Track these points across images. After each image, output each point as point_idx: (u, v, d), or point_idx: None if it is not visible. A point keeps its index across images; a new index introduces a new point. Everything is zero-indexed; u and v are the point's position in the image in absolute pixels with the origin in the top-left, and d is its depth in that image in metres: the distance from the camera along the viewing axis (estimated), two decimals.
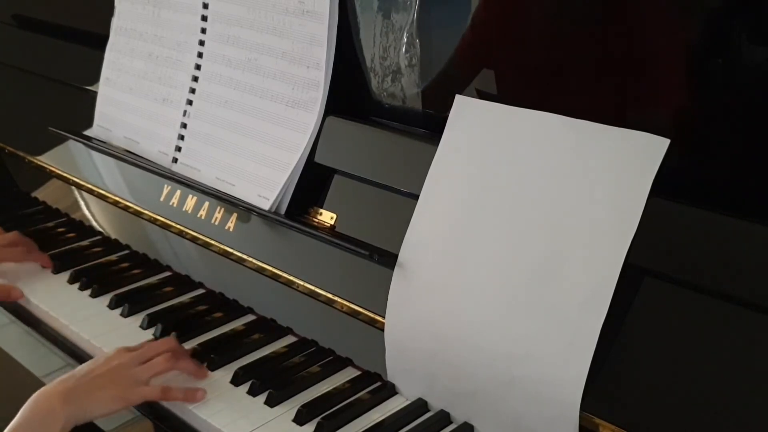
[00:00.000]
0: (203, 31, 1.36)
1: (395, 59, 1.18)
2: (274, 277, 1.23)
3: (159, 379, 1.08)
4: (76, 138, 1.54)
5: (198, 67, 1.37)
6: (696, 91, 0.95)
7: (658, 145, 0.86)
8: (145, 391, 1.06)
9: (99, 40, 1.55)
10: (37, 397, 1.01)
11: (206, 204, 1.34)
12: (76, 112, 1.60)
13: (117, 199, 1.50)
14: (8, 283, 1.35)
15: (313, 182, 1.22)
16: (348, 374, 1.13)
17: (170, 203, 1.39)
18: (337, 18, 1.18)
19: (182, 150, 1.38)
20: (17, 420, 0.98)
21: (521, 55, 1.08)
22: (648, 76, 0.96)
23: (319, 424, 1.02)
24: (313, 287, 1.17)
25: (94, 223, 1.57)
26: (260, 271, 1.25)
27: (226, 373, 1.13)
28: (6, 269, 1.38)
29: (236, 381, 1.11)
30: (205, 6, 1.35)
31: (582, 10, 1.00)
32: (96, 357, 1.09)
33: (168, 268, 1.41)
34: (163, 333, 1.22)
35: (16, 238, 1.41)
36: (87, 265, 1.42)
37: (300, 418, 1.03)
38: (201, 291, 1.35)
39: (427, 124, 1.16)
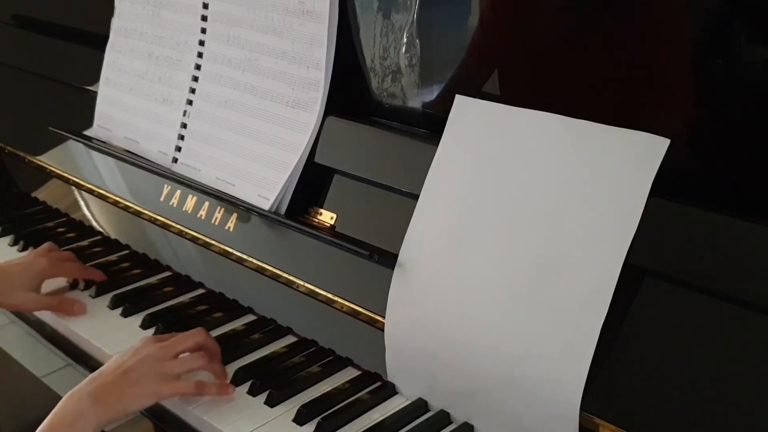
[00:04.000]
0: (203, 31, 1.36)
1: (395, 59, 1.18)
2: (274, 277, 1.23)
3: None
4: (76, 138, 1.54)
5: (198, 67, 1.37)
6: (696, 91, 0.95)
7: (658, 145, 0.86)
8: (178, 386, 1.03)
9: (99, 40, 1.55)
10: (66, 400, 0.97)
11: (206, 204, 1.34)
12: (76, 112, 1.60)
13: (117, 199, 1.50)
14: (67, 297, 1.31)
15: (313, 182, 1.22)
16: (348, 374, 1.13)
17: (170, 203, 1.39)
18: (337, 18, 1.18)
19: (182, 150, 1.38)
20: (46, 424, 0.95)
21: (523, 56, 1.08)
22: (649, 76, 0.96)
23: (319, 424, 1.02)
24: (313, 287, 1.17)
25: (94, 223, 1.57)
26: (260, 271, 1.25)
27: None
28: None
29: (236, 381, 1.11)
30: (205, 6, 1.35)
31: (583, 10, 1.01)
32: (124, 350, 1.05)
33: (168, 268, 1.41)
34: (164, 333, 1.22)
35: (71, 256, 1.37)
36: (87, 265, 1.41)
37: (300, 418, 1.03)
38: (201, 291, 1.35)
39: (427, 124, 1.17)
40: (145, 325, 1.24)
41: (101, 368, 1.02)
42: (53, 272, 1.32)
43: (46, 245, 1.38)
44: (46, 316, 1.30)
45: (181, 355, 1.06)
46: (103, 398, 0.97)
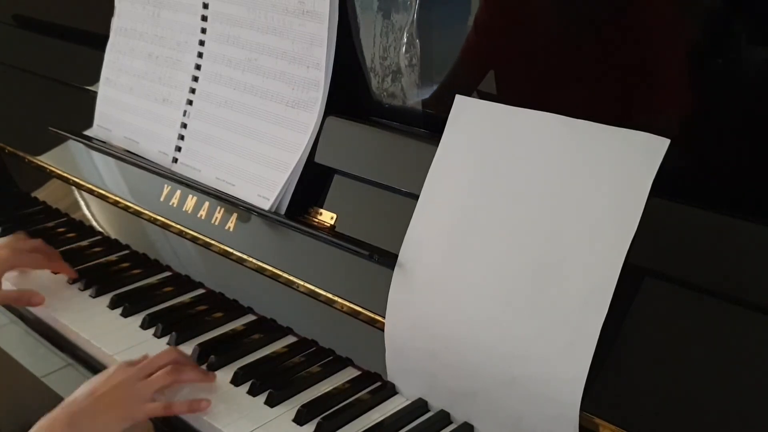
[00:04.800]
0: (203, 31, 1.36)
1: (395, 59, 1.18)
2: (274, 277, 1.23)
3: (166, 390, 1.06)
4: (76, 138, 1.54)
5: (198, 67, 1.37)
6: (696, 91, 0.95)
7: (658, 145, 0.86)
8: (148, 408, 1.04)
9: (99, 40, 1.55)
10: (40, 426, 0.98)
11: (206, 204, 1.34)
12: (76, 112, 1.60)
13: (117, 199, 1.50)
14: (25, 289, 1.30)
15: (313, 182, 1.22)
16: (348, 374, 1.13)
17: (170, 203, 1.40)
18: (337, 18, 1.18)
19: (182, 150, 1.38)
20: None
21: (523, 56, 1.08)
22: (648, 76, 0.96)
23: (319, 424, 1.02)
24: (313, 287, 1.17)
25: (94, 223, 1.57)
26: (260, 271, 1.25)
27: (226, 373, 1.12)
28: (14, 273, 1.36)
29: (236, 381, 1.11)
30: (205, 6, 1.35)
31: (583, 10, 1.01)
32: (98, 375, 1.07)
33: (168, 268, 1.41)
34: (164, 333, 1.22)
35: (40, 245, 1.35)
36: (87, 265, 1.41)
37: (300, 418, 1.03)
38: (201, 291, 1.35)
39: (427, 124, 1.17)
40: (145, 325, 1.24)
41: (74, 394, 1.03)
42: (15, 263, 1.29)
43: (14, 234, 1.36)
44: (46, 315, 1.30)
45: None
46: (77, 425, 0.98)
